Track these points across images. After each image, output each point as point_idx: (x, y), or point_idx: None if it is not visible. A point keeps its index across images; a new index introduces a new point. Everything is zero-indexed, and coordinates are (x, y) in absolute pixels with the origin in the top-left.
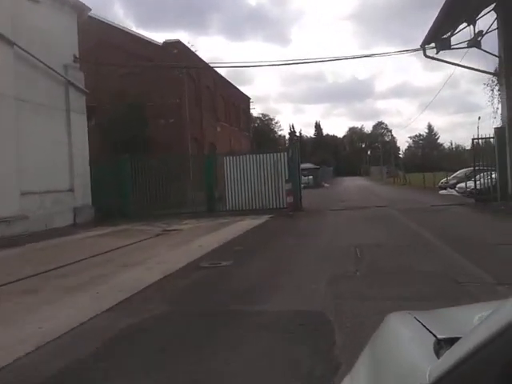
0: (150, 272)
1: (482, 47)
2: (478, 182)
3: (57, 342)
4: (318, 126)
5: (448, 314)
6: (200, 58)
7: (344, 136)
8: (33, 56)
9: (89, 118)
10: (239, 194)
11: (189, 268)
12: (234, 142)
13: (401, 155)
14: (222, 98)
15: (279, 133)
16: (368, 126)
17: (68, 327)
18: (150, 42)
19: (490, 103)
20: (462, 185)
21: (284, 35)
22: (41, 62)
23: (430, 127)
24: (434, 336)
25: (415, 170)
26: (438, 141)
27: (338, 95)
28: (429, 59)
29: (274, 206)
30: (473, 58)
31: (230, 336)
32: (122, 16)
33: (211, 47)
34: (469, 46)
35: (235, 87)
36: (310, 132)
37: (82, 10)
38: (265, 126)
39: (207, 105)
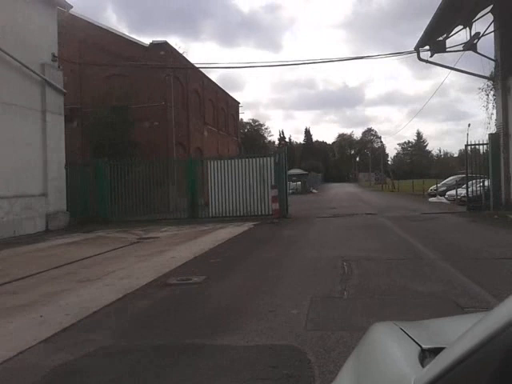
0: (108, 289)
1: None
2: (469, 190)
3: None
4: (307, 133)
5: (433, 325)
6: (188, 61)
7: (333, 142)
8: (5, 53)
9: (71, 120)
10: (223, 200)
11: (154, 285)
12: (221, 147)
13: (389, 162)
14: (211, 102)
15: (269, 138)
16: (357, 133)
17: None
18: (136, 44)
19: (484, 108)
20: (452, 192)
21: (276, 42)
22: (14, 59)
23: (418, 134)
24: (419, 346)
25: (404, 177)
26: (427, 148)
27: (328, 102)
28: (421, 66)
29: (260, 213)
30: (466, 64)
31: (179, 382)
32: (114, 21)
33: (203, 53)
34: (464, 49)
35: (224, 91)
36: (300, 138)
37: (63, 6)
38: (254, 131)
39: (195, 108)
